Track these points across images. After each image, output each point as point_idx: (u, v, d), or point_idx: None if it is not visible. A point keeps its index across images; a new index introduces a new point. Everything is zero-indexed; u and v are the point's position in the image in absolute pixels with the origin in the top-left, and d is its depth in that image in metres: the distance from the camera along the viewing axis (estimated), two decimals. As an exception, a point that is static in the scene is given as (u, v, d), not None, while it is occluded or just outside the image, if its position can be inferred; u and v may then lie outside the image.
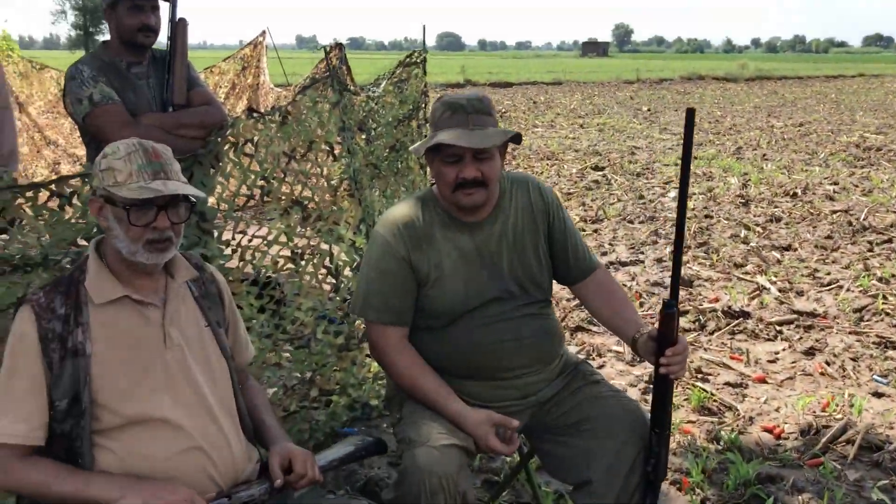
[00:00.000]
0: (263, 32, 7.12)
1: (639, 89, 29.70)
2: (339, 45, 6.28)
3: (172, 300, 1.81)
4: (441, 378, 2.16)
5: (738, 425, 3.47)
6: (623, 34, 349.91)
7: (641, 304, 5.09)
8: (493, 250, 2.23)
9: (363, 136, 3.86)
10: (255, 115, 3.02)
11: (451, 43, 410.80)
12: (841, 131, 14.98)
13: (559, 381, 2.29)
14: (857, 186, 9.06)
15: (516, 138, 2.18)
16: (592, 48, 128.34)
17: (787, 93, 27.07)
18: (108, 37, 3.12)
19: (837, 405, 3.62)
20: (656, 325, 2.04)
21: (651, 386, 3.41)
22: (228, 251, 3.04)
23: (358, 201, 3.43)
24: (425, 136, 4.49)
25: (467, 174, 2.10)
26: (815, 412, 3.58)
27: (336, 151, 3.40)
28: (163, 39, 3.08)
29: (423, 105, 4.37)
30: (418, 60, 4.41)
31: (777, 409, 3.63)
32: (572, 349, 4.37)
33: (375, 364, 3.58)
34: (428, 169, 2.16)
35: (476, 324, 2.18)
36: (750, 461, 3.10)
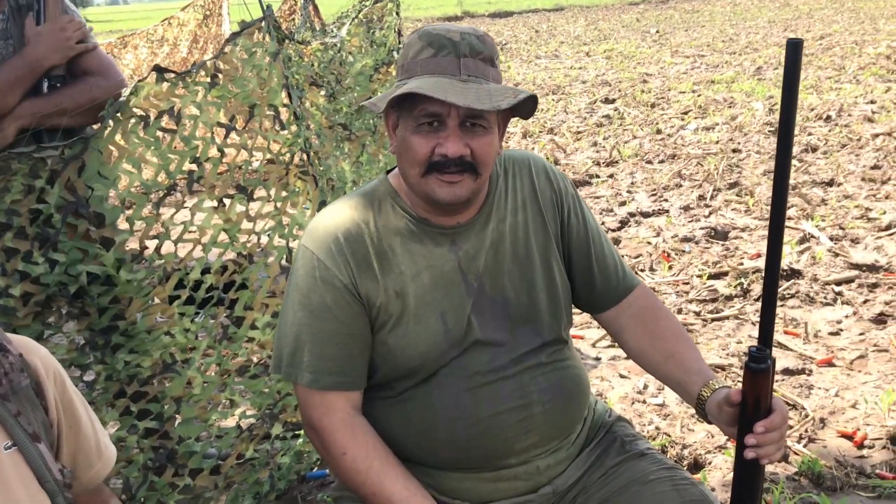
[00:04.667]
0: (223, -27, 6.27)
1: (644, 10, 28.23)
2: (302, -19, 5.43)
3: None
4: (411, 474, 1.43)
5: (806, 431, 2.76)
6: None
7: (671, 268, 4.33)
8: (482, 268, 1.49)
9: (322, 93, 3.08)
10: (166, 75, 2.23)
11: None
12: (866, 42, 13.86)
13: (585, 457, 1.56)
14: (896, 104, 8.15)
15: (528, 105, 1.39)
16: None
17: (801, 4, 25.55)
18: None
19: (932, 395, 2.89)
20: (738, 385, 1.32)
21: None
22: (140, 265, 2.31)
23: (313, 179, 2.67)
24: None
25: (450, 149, 1.35)
26: (902, 407, 2.86)
27: (283, 117, 2.63)
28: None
29: (400, 47, 3.57)
30: (390, -7, 3.58)
31: (854, 405, 2.90)
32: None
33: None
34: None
35: (460, 385, 1.45)
36: (835, 492, 2.40)
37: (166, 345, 2.31)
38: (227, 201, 2.40)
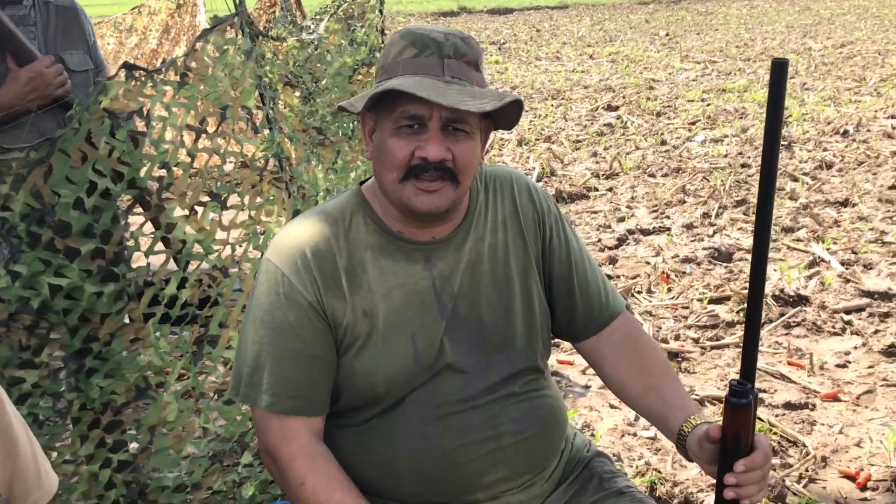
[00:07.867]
0: (199, -38, 6.30)
1: (654, 10, 28.45)
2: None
3: None
4: None
5: (806, 470, 2.79)
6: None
7: (669, 290, 4.37)
8: (458, 289, 1.51)
9: (296, 94, 3.11)
10: (136, 72, 2.25)
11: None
12: (889, 52, 14.02)
13: (561, 494, 1.58)
14: (918, 120, 8.25)
15: (512, 113, 1.44)
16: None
17: (822, 8, 25.82)
18: None
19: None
20: (719, 420, 1.35)
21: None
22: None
23: (286, 187, 2.70)
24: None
25: (430, 152, 1.37)
26: (909, 447, 2.90)
27: (256, 119, 2.66)
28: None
29: (382, 47, 3.61)
30: (373, -12, 3.63)
31: (858, 444, 2.94)
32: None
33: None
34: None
35: (426, 415, 1.47)
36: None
37: (141, 368, 2.30)
38: (199, 209, 2.41)
